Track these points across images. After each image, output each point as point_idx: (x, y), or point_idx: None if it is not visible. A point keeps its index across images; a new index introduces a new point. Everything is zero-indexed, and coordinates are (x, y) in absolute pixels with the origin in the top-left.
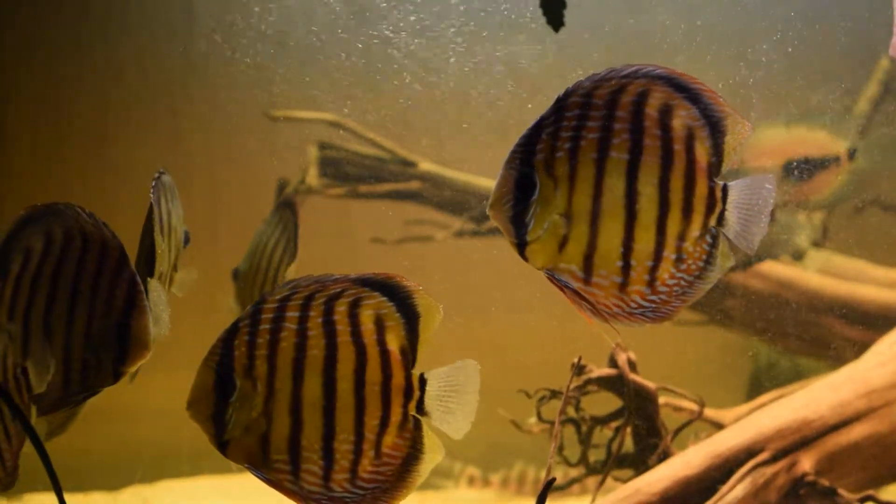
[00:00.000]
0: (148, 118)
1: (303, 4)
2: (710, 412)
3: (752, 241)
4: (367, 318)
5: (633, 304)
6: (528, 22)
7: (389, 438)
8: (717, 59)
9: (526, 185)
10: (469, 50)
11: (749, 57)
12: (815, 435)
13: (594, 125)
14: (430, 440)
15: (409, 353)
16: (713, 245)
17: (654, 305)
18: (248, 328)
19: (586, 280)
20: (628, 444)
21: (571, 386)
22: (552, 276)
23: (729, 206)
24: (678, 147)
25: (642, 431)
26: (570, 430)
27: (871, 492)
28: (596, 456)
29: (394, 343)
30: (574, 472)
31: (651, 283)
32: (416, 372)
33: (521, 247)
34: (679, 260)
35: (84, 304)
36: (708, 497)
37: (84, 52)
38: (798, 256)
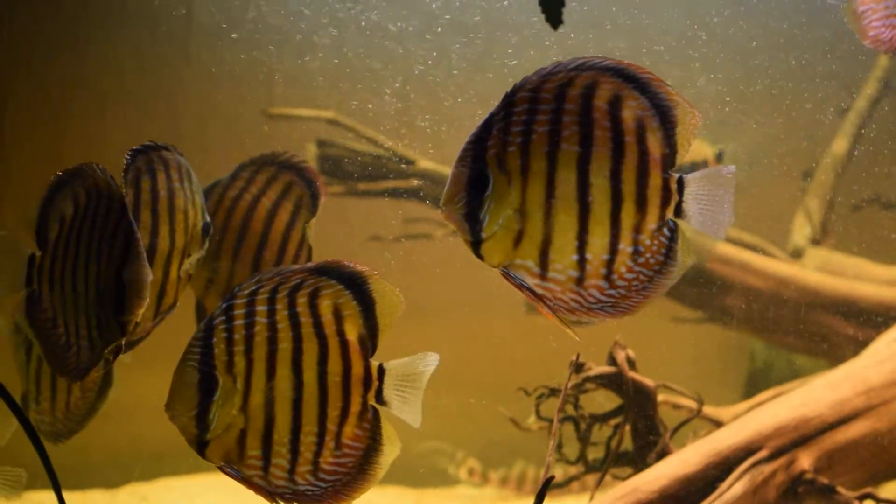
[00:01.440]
0: (146, 116)
1: (302, 1)
2: (708, 410)
3: (718, 230)
4: (325, 308)
5: (591, 299)
6: (527, 19)
7: (349, 429)
8: (718, 56)
9: (479, 182)
10: (468, 46)
11: (749, 55)
12: (813, 433)
13: (544, 119)
14: (387, 431)
15: (368, 342)
16: (672, 239)
17: (613, 300)
18: (223, 325)
19: (542, 275)
20: (627, 442)
21: (570, 384)
22: (507, 275)
23: (687, 197)
24: (629, 138)
25: (641, 429)
26: (569, 428)
27: (869, 489)
28: (595, 454)
29: (352, 332)
30: (573, 470)
31: (608, 277)
32: (375, 361)
33: (475, 244)
34: (636, 253)
35: (94, 260)
36: (706, 495)
37: (82, 49)
38: (797, 254)
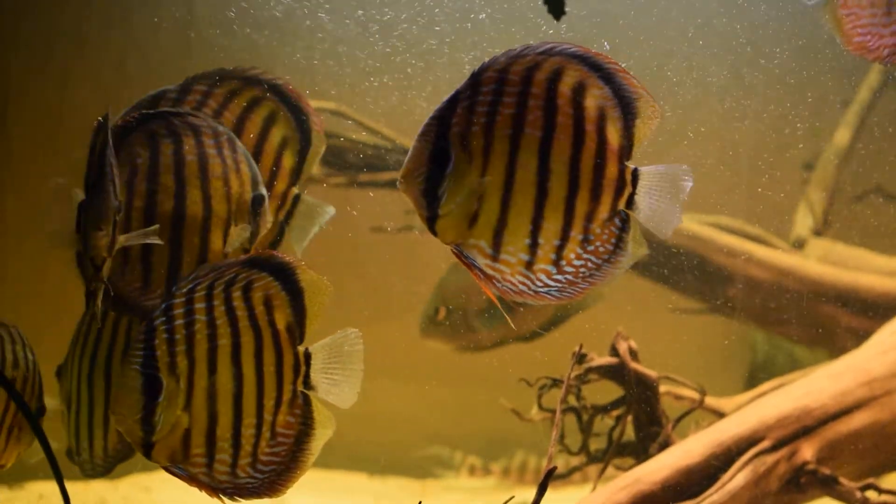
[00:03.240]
0: None
1: None
2: (710, 401)
3: (664, 228)
4: (258, 300)
5: (538, 283)
6: (528, 11)
7: (282, 417)
8: (719, 47)
9: (440, 159)
10: (469, 38)
11: (750, 46)
12: (815, 423)
13: (510, 101)
14: (320, 414)
15: (296, 330)
16: (623, 229)
17: (559, 285)
18: (164, 325)
19: (494, 257)
20: (629, 433)
21: (572, 374)
22: (459, 253)
23: (639, 190)
24: (590, 127)
25: (643, 420)
26: (570, 419)
27: (871, 480)
28: (597, 444)
29: (281, 321)
30: (575, 461)
31: (557, 263)
32: (300, 348)
33: (431, 220)
34: (586, 241)
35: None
36: (709, 485)
37: (85, 40)
38: (799, 245)
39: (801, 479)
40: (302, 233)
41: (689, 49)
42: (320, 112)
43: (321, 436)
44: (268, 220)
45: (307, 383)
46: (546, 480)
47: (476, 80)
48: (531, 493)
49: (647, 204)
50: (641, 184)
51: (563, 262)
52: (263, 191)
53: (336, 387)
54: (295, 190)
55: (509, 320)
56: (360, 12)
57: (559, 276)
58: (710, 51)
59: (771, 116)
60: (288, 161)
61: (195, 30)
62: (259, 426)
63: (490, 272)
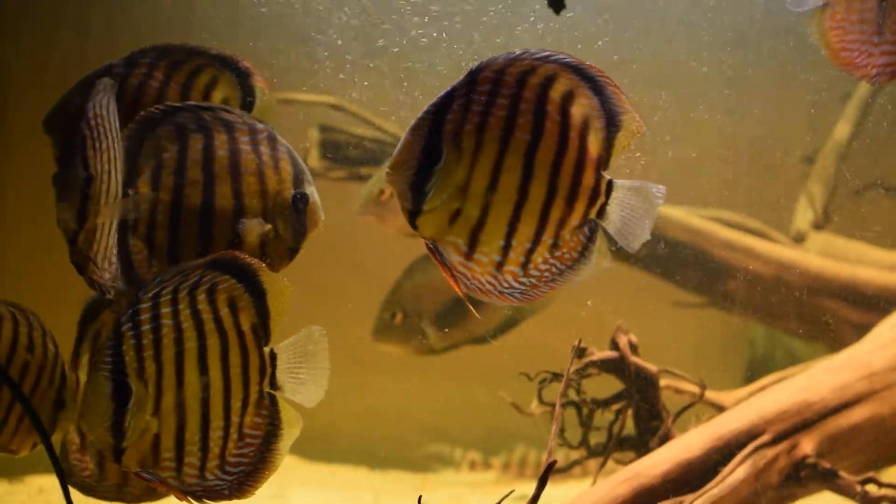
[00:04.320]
0: None
1: None
2: (711, 395)
3: (632, 241)
4: (222, 302)
5: (504, 284)
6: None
7: (249, 418)
8: (720, 41)
9: (432, 154)
10: (468, 33)
11: (750, 39)
12: (815, 417)
13: (503, 102)
14: (287, 414)
15: (261, 331)
16: (590, 238)
17: (523, 287)
18: (131, 331)
19: (468, 255)
20: (629, 427)
21: (572, 368)
22: (434, 250)
23: (612, 201)
24: (573, 135)
25: (643, 414)
26: (571, 413)
27: (871, 474)
28: (597, 438)
29: (246, 323)
30: (575, 455)
31: (525, 266)
32: (266, 348)
33: (413, 214)
34: (554, 246)
35: None
36: (709, 479)
37: (85, 37)
38: (800, 239)
39: (801, 473)
40: None
41: (689, 42)
42: (320, 106)
43: (289, 436)
44: (318, 217)
45: (273, 384)
46: (546, 474)
47: (472, 78)
48: (531, 487)
49: (618, 216)
50: (614, 195)
51: (531, 266)
52: (308, 189)
53: (302, 386)
54: None
55: (475, 313)
56: (360, 5)
57: (524, 279)
58: (710, 44)
59: (771, 110)
60: None
61: (196, 28)
62: (227, 428)
63: (461, 270)
